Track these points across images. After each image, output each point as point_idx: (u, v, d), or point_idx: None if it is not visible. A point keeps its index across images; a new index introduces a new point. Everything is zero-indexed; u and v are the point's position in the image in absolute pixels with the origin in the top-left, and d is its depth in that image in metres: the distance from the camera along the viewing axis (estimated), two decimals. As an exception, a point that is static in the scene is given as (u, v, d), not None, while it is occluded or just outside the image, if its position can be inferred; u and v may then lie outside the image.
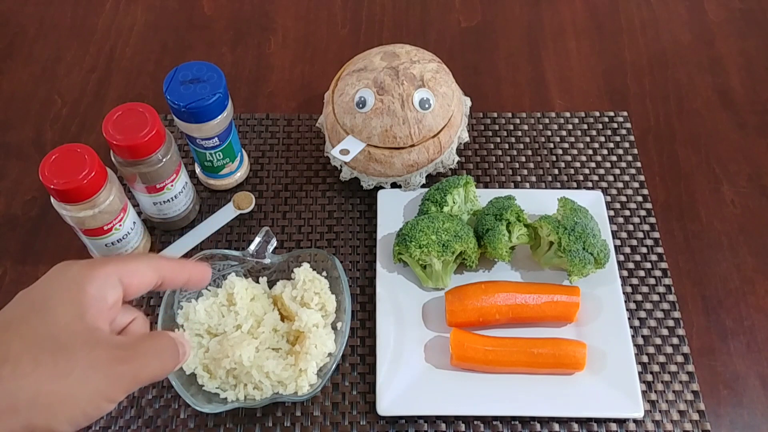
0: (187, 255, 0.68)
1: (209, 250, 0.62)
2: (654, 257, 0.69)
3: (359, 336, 0.64)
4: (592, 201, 0.69)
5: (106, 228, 0.61)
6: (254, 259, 0.62)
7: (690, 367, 0.63)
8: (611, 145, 0.77)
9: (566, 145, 0.77)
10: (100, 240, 0.62)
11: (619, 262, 0.68)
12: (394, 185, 0.71)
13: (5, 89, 0.82)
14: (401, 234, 0.64)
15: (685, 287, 0.67)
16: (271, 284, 0.63)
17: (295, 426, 0.60)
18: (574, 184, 0.74)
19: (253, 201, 0.72)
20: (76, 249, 0.69)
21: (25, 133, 0.78)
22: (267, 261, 0.63)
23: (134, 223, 0.64)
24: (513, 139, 0.77)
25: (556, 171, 0.75)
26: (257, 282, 0.63)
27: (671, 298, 0.66)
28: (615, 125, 0.78)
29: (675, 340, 0.64)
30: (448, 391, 0.59)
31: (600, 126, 0.78)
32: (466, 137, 0.71)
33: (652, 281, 0.67)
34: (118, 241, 0.63)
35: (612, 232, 0.70)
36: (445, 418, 0.60)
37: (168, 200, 0.66)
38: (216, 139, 0.66)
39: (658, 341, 0.64)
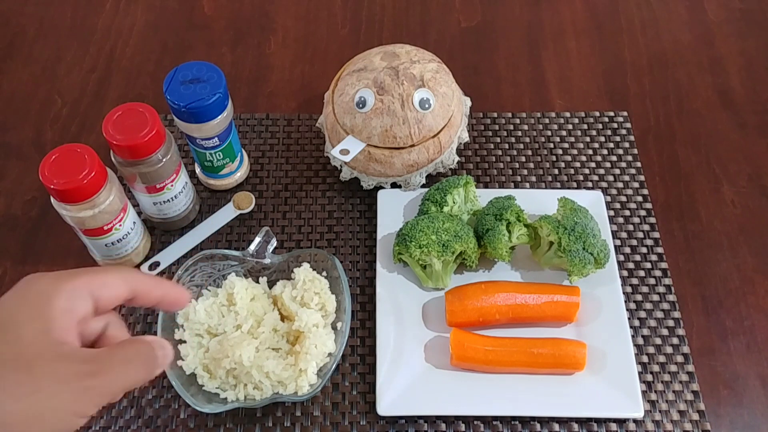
0: (187, 255, 0.68)
1: (209, 250, 0.62)
2: (654, 257, 0.69)
3: (359, 336, 0.64)
4: (592, 201, 0.69)
5: (106, 228, 0.61)
6: (254, 259, 0.62)
7: (690, 367, 0.63)
8: (611, 145, 0.77)
9: (566, 145, 0.77)
10: (100, 240, 0.62)
11: (619, 262, 0.68)
12: (394, 185, 0.71)
13: (5, 89, 0.82)
14: (401, 234, 0.64)
15: (685, 287, 0.67)
16: (271, 284, 0.64)
17: (295, 426, 0.60)
18: (574, 184, 0.74)
19: (253, 201, 0.72)
20: (76, 249, 0.69)
21: (25, 133, 0.78)
22: (267, 261, 0.63)
23: (134, 223, 0.64)
24: (513, 139, 0.77)
25: (556, 171, 0.75)
26: (257, 282, 0.63)
27: (671, 298, 0.66)
28: (615, 125, 0.78)
29: (675, 340, 0.64)
30: (448, 391, 0.59)
31: (600, 126, 0.78)
32: (466, 137, 0.71)
33: (652, 281, 0.67)
34: (118, 241, 0.63)
35: (612, 232, 0.70)
36: (445, 418, 0.60)
37: (168, 200, 0.66)
38: (216, 139, 0.66)
39: (658, 341, 0.64)
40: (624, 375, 0.59)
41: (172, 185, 0.64)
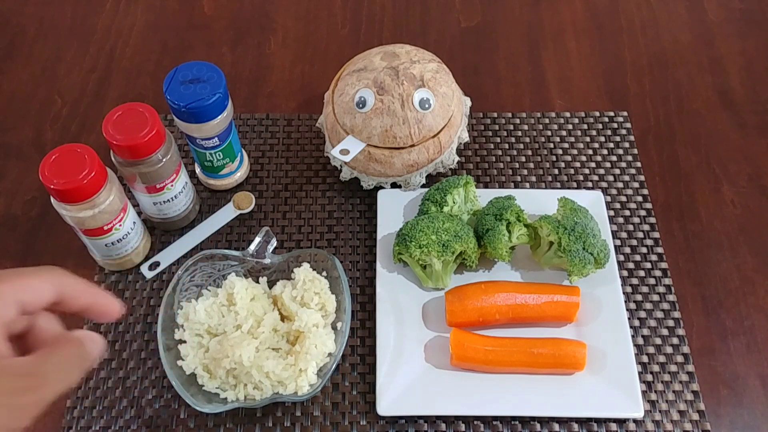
0: (187, 255, 0.68)
1: (209, 250, 0.62)
2: (654, 257, 0.69)
3: (359, 336, 0.64)
4: (592, 201, 0.69)
5: (106, 228, 0.61)
6: (254, 259, 0.62)
7: (690, 367, 0.63)
8: (611, 145, 0.77)
9: (566, 145, 0.77)
10: (100, 240, 0.62)
11: (619, 262, 0.68)
12: (394, 185, 0.71)
13: (5, 89, 0.82)
14: (401, 234, 0.64)
15: (685, 287, 0.67)
16: (271, 284, 0.63)
17: (295, 426, 0.60)
18: (574, 184, 0.74)
19: (253, 201, 0.72)
20: (76, 249, 0.69)
21: (25, 133, 0.78)
22: (267, 261, 0.63)
23: (134, 223, 0.64)
24: (513, 139, 0.77)
25: (556, 171, 0.75)
26: (257, 282, 0.63)
27: (671, 298, 0.66)
28: (615, 125, 0.78)
29: (675, 340, 0.64)
30: (448, 391, 0.59)
31: (600, 126, 0.78)
32: (466, 137, 0.71)
33: (652, 281, 0.67)
34: (118, 241, 0.63)
35: (612, 232, 0.70)
36: (445, 418, 0.60)
37: (168, 200, 0.66)
38: (216, 139, 0.66)
39: (658, 341, 0.64)
40: (624, 375, 0.59)
41: (172, 185, 0.64)
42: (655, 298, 0.66)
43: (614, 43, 0.86)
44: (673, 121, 0.79)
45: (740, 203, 0.73)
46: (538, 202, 0.69)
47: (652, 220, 0.71)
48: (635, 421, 0.60)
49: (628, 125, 0.78)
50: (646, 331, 0.64)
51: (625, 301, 0.65)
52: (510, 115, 0.79)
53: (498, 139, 0.77)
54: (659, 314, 0.65)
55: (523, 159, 0.76)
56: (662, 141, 0.78)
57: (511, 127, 0.78)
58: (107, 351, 0.63)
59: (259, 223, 0.71)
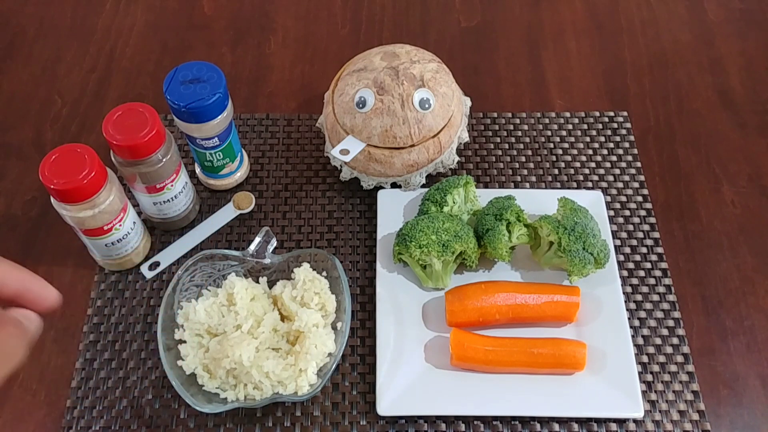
0: (187, 255, 0.68)
1: (209, 250, 0.62)
2: (654, 257, 0.69)
3: (359, 336, 0.64)
4: (592, 201, 0.69)
5: (106, 228, 0.61)
6: (254, 259, 0.62)
7: (690, 367, 0.63)
8: (611, 145, 0.77)
9: (566, 145, 0.77)
10: (100, 240, 0.62)
11: (619, 262, 0.68)
12: (394, 185, 0.71)
13: (5, 89, 0.82)
14: (401, 234, 0.64)
15: (685, 287, 0.67)
16: (271, 284, 0.64)
17: (295, 426, 0.60)
18: (574, 184, 0.74)
19: (253, 201, 0.72)
20: (76, 249, 0.69)
21: (25, 133, 0.78)
22: (267, 261, 0.63)
23: (134, 223, 0.64)
24: (513, 139, 0.77)
25: (556, 171, 0.75)
26: (257, 282, 0.63)
27: (671, 298, 0.66)
28: (615, 125, 0.78)
29: (675, 340, 0.64)
30: (448, 391, 0.59)
31: (600, 126, 0.78)
32: (466, 137, 0.71)
33: (652, 281, 0.67)
34: (118, 241, 0.63)
35: (612, 232, 0.70)
36: (445, 418, 0.60)
37: (168, 200, 0.66)
38: (216, 139, 0.66)
39: (658, 341, 0.64)
40: (624, 375, 0.59)
41: (172, 185, 0.64)
42: (655, 298, 0.66)
43: (614, 43, 0.86)
44: (673, 121, 0.79)
45: (740, 203, 0.73)
46: (538, 202, 0.69)
47: (652, 220, 0.71)
48: (635, 421, 0.60)
49: (628, 125, 0.78)
50: (646, 331, 0.64)
51: (625, 301, 0.65)
52: (510, 115, 0.79)
53: (498, 139, 0.77)
54: (659, 314, 0.65)
55: (523, 159, 0.76)
56: (662, 141, 0.78)
57: (511, 127, 0.78)
58: (107, 350, 0.63)
59: (259, 223, 0.71)
